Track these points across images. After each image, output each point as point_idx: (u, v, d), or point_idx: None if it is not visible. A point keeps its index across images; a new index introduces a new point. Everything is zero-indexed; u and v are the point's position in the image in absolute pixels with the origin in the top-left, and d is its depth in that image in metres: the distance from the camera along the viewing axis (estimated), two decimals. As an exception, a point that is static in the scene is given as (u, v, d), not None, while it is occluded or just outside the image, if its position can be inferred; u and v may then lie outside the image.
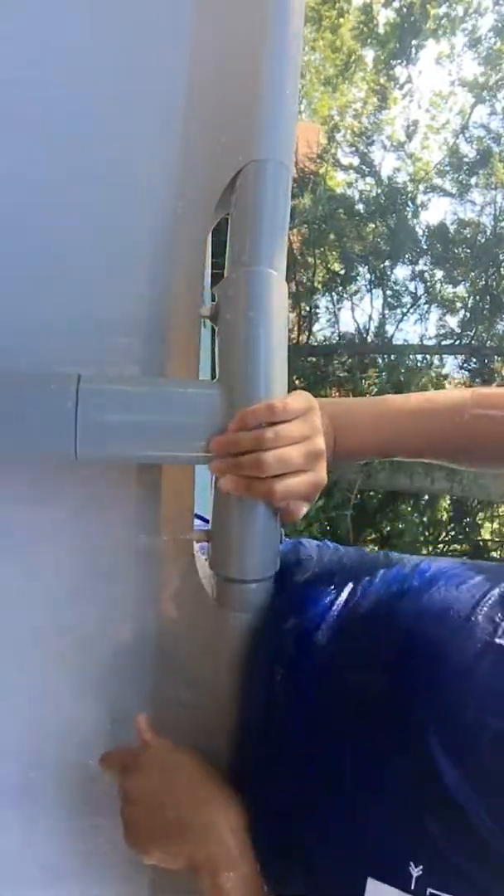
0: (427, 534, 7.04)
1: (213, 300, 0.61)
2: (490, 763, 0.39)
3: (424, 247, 6.85)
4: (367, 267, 7.09)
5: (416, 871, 0.40)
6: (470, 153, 7.57)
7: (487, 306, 6.72)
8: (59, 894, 0.65)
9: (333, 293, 7.38)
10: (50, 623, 0.63)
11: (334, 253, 7.20)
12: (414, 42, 8.28)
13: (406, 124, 8.45)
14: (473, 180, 7.36)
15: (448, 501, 7.17)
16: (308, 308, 7.39)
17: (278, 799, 0.51)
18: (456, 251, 6.80)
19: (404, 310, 7.19)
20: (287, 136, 0.60)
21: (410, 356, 6.77)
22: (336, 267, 7.37)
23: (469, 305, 6.94)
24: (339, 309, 7.46)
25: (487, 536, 7.17)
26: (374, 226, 6.98)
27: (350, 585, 0.57)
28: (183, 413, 0.57)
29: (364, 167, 7.51)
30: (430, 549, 6.94)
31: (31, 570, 0.63)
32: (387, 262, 6.98)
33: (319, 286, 7.36)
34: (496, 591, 0.46)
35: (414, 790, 0.42)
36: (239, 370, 0.57)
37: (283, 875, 0.49)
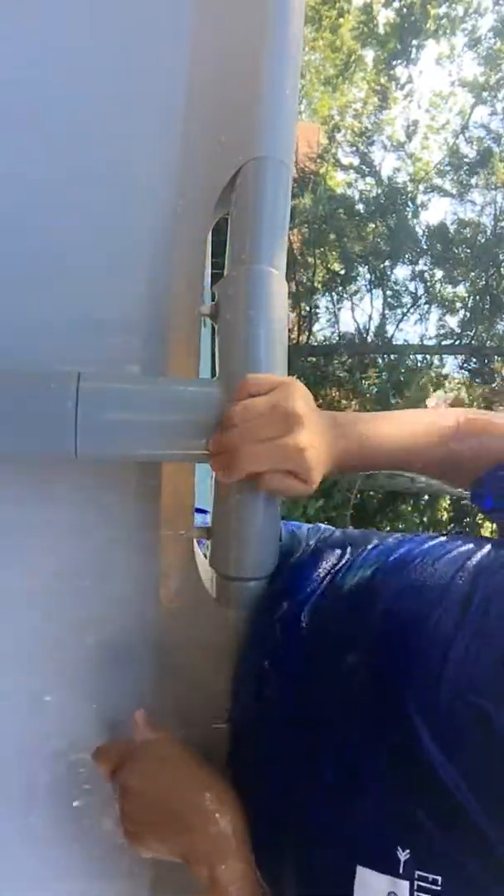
0: (427, 534, 7.05)
1: (213, 299, 0.61)
2: (474, 742, 0.39)
3: (424, 247, 6.86)
4: (367, 267, 7.10)
5: (403, 856, 0.40)
6: (470, 153, 7.59)
7: (487, 306, 6.73)
8: (60, 893, 0.65)
9: (333, 293, 7.39)
10: (50, 622, 0.63)
11: (334, 253, 7.20)
12: (414, 42, 8.30)
13: (406, 124, 8.48)
14: (473, 180, 7.38)
15: (448, 501, 7.18)
16: (308, 308, 7.40)
17: (267, 792, 0.51)
18: (456, 251, 6.81)
19: (404, 310, 7.20)
20: (287, 135, 0.60)
21: (410, 356, 6.78)
22: (336, 267, 7.37)
23: (469, 305, 6.95)
24: (339, 309, 7.47)
25: (487, 536, 7.18)
26: (374, 226, 6.99)
27: (334, 563, 0.58)
28: (183, 412, 0.57)
29: (364, 167, 7.53)
30: (431, 549, 6.93)
31: (31, 570, 0.63)
32: (387, 262, 6.99)
33: (319, 286, 7.36)
34: (471, 564, 0.47)
35: (399, 774, 0.42)
36: (239, 369, 0.57)
37: (275, 867, 0.50)
